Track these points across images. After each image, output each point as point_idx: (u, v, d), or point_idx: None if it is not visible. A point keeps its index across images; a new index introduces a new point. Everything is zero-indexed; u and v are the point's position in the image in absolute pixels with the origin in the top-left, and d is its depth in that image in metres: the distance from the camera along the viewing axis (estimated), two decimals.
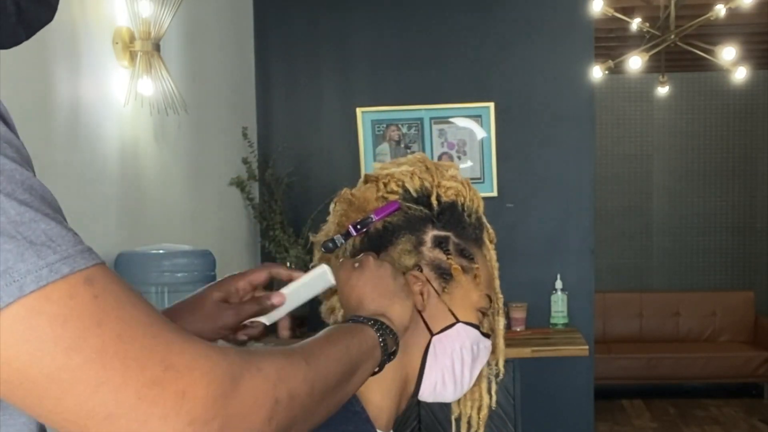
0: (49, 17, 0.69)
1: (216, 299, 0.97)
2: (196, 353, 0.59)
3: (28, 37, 0.68)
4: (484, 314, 1.03)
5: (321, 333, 0.80)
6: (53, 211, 0.58)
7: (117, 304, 0.57)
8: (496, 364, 1.10)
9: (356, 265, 0.94)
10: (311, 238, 1.05)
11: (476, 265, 1.02)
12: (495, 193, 3.75)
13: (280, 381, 0.64)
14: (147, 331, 0.58)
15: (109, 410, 0.56)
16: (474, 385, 1.07)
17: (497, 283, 1.07)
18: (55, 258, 0.56)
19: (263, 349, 0.67)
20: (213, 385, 0.59)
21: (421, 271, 0.99)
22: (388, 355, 0.87)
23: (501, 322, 1.08)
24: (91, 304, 0.56)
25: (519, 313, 3.63)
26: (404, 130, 3.79)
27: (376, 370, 0.86)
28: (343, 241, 0.98)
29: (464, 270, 1.01)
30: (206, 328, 0.95)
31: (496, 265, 1.07)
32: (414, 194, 1.01)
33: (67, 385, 0.55)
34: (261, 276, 1.00)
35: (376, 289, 0.92)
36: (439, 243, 1.00)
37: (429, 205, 1.01)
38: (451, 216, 1.02)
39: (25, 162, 0.60)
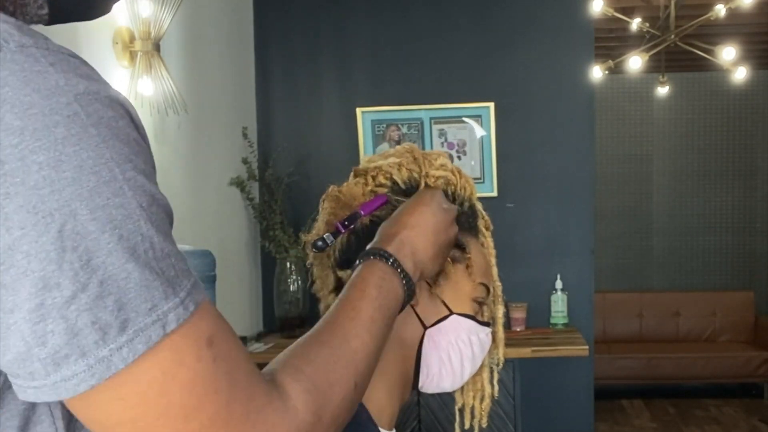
0: (88, 15, 0.71)
1: None
2: (276, 419, 0.61)
3: (52, 22, 0.68)
4: (480, 304, 1.02)
5: (364, 315, 0.76)
6: (171, 226, 0.60)
7: (230, 367, 0.59)
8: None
9: (445, 206, 0.92)
10: (303, 238, 1.04)
11: (468, 255, 1.00)
12: (495, 193, 3.74)
13: (332, 422, 0.67)
14: (246, 393, 0.60)
15: None
16: (476, 375, 1.06)
17: (495, 270, 1.05)
18: (183, 294, 0.57)
19: (325, 381, 0.68)
20: None
21: None
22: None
23: (500, 310, 1.07)
24: (212, 368, 0.58)
25: (519, 313, 3.62)
26: (404, 130, 3.79)
27: None
28: (333, 239, 0.95)
29: (456, 260, 0.99)
30: None
31: (493, 252, 1.05)
32: (402, 186, 1.00)
33: None
34: None
35: (438, 234, 0.90)
36: None
37: None
38: None
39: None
